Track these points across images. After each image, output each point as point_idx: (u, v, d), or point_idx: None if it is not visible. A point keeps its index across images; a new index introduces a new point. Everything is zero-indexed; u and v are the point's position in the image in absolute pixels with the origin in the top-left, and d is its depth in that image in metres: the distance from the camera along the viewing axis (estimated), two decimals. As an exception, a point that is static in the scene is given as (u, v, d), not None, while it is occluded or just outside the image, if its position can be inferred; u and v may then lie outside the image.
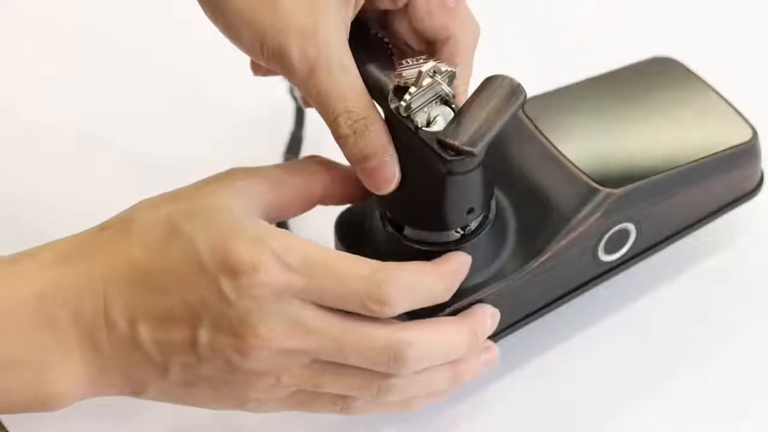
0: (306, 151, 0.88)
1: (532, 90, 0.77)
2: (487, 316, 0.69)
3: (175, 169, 0.88)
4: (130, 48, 0.96)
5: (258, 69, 0.72)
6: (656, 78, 0.81)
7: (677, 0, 0.99)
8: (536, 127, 0.75)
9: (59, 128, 0.91)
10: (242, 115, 0.91)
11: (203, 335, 0.62)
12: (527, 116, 0.76)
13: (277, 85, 0.83)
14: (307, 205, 0.69)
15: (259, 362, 0.63)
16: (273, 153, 0.88)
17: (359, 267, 0.63)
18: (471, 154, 0.64)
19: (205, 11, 0.67)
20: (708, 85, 0.80)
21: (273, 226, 0.64)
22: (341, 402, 0.67)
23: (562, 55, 0.95)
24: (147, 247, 0.63)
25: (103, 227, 0.65)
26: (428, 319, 0.66)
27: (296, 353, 0.63)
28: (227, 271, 0.61)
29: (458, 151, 0.64)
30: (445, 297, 0.66)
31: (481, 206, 0.68)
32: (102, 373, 0.64)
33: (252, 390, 0.64)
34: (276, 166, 0.68)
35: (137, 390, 0.65)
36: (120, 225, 0.65)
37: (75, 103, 0.93)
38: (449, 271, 0.67)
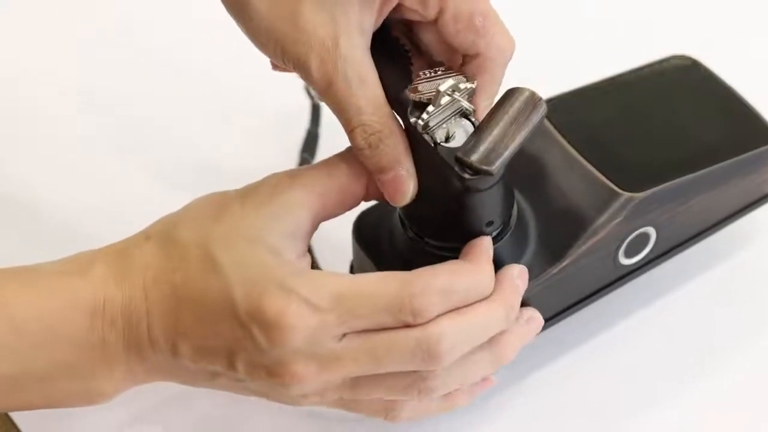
0: (322, 148, 0.88)
1: (549, 90, 0.77)
2: (516, 279, 0.67)
3: (190, 167, 0.88)
4: (143, 44, 0.96)
5: (277, 66, 0.71)
6: (675, 79, 0.80)
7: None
8: (556, 129, 0.75)
9: (75, 129, 0.91)
10: (259, 112, 0.91)
11: (240, 368, 0.63)
12: (546, 117, 0.75)
13: (294, 83, 0.83)
14: (351, 204, 0.68)
15: (300, 390, 0.64)
16: (289, 150, 0.88)
17: (388, 285, 0.63)
18: (488, 173, 0.63)
19: (231, 15, 0.67)
20: (728, 87, 0.80)
21: (302, 267, 0.64)
22: (384, 410, 0.67)
23: (579, 54, 0.94)
24: (186, 275, 0.63)
25: (147, 236, 0.66)
26: None
27: (335, 379, 0.64)
28: (259, 322, 0.62)
29: (476, 170, 0.63)
30: (488, 291, 0.66)
31: (500, 218, 0.68)
32: (150, 376, 0.66)
33: (298, 403, 0.66)
34: (317, 167, 0.67)
35: (188, 385, 0.67)
36: (162, 240, 0.65)
37: (86, 102, 0.93)
38: (483, 268, 0.66)
